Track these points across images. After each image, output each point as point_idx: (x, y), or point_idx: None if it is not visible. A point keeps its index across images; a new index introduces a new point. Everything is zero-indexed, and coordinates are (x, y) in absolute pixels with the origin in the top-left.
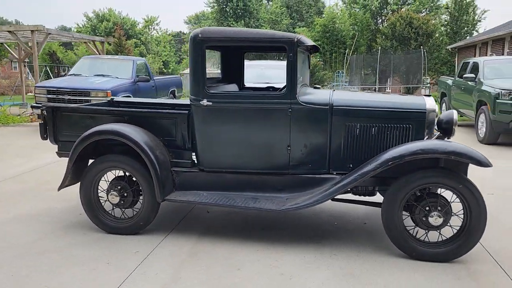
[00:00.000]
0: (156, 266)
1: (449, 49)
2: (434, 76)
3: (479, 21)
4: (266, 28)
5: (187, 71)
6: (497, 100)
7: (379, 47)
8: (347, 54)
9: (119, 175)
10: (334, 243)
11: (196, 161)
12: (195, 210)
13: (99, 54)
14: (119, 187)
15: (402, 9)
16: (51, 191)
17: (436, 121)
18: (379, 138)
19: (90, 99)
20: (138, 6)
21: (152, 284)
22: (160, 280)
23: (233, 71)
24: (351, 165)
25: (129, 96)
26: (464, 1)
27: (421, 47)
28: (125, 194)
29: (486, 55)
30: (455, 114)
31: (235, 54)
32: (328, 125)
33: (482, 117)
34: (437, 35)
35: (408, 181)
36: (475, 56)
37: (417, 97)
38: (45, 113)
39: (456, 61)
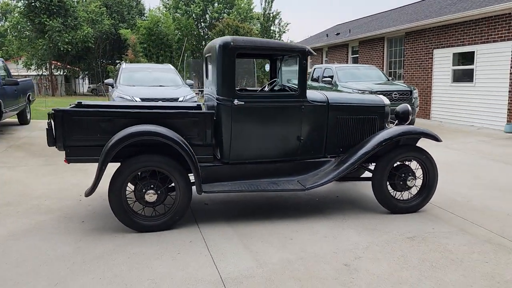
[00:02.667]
0: (226, 247)
1: None
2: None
3: (284, 32)
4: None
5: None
6: None
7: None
8: (174, 58)
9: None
10: (320, 213)
11: (219, 156)
12: (192, 204)
13: None
14: (152, 186)
15: (224, 17)
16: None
17: (389, 113)
18: (358, 127)
19: None
20: None
21: (245, 261)
22: (249, 256)
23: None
24: (341, 149)
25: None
26: (271, 14)
27: None
28: (159, 192)
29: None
30: (409, 107)
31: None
32: (326, 118)
33: None
34: None
35: (392, 156)
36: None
37: (375, 96)
38: (54, 118)
39: None
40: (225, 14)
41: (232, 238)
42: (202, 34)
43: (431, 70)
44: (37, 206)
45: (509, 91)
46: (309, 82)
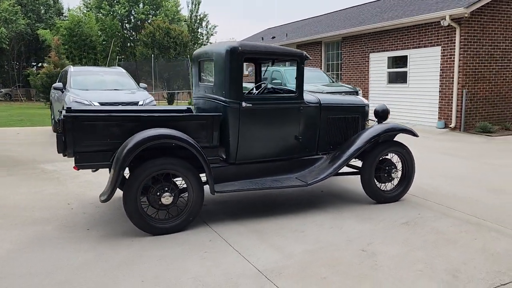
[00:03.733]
0: (247, 243)
1: None
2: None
3: (212, 34)
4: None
5: None
6: None
7: (139, 54)
8: (99, 61)
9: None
10: (315, 207)
11: (224, 157)
12: None
13: None
14: (166, 189)
15: (152, 19)
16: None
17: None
18: (345, 125)
19: None
20: None
21: (271, 254)
22: (273, 249)
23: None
24: (331, 147)
25: None
26: (199, 16)
27: (187, 56)
28: (173, 194)
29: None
30: (387, 106)
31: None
32: (319, 118)
33: None
34: (195, 46)
35: (378, 152)
36: None
37: (356, 97)
38: (64, 124)
39: None
40: (150, 15)
41: (248, 234)
42: (127, 35)
43: (368, 72)
44: (30, 218)
45: (440, 91)
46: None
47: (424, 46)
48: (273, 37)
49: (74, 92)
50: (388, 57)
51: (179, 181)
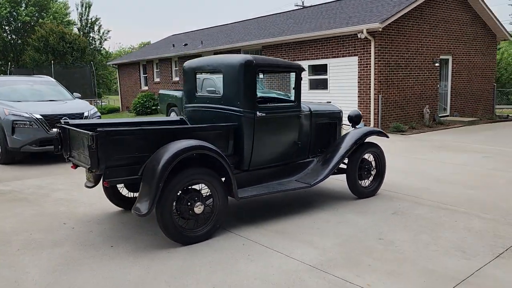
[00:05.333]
0: (280, 243)
1: (111, 65)
2: (104, 90)
3: (106, 39)
4: None
5: None
6: None
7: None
8: None
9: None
10: (312, 206)
11: (239, 164)
12: None
13: None
14: (196, 198)
15: (42, 22)
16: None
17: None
18: (328, 130)
19: None
20: None
21: (309, 250)
22: (306, 246)
23: None
24: (319, 150)
25: None
26: (90, 19)
27: (92, 62)
28: (204, 203)
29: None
30: (359, 111)
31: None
32: (311, 124)
33: None
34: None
35: (360, 153)
36: (140, 72)
37: (332, 104)
38: (97, 139)
39: (118, 77)
40: (35, 18)
41: (272, 235)
42: (9, 39)
43: (289, 80)
44: (34, 241)
45: (358, 96)
46: (178, 93)
47: (343, 56)
48: (185, 44)
49: (6, 104)
50: (309, 65)
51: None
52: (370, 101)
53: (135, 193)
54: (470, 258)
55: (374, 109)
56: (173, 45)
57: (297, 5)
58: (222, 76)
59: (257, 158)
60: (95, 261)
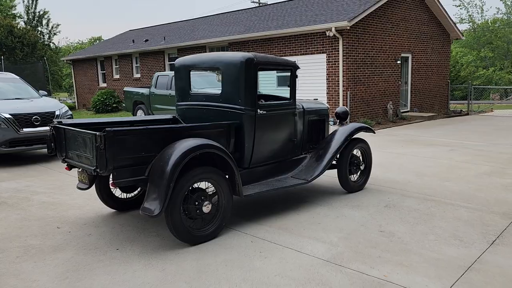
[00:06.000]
0: (289, 240)
1: (65, 61)
2: (55, 87)
3: (55, 34)
4: None
5: None
6: None
7: None
8: None
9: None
10: (306, 202)
11: (239, 161)
12: None
13: None
14: (202, 197)
15: None
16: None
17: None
18: (318, 127)
19: None
20: None
21: (318, 245)
22: (313, 241)
23: None
24: (311, 147)
25: None
26: (37, 13)
27: (44, 58)
28: (211, 202)
29: (113, 68)
30: (346, 108)
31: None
32: (303, 121)
33: None
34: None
35: (350, 148)
36: (98, 69)
37: (319, 101)
38: (105, 139)
39: (73, 73)
40: None
41: (278, 232)
42: None
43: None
44: (31, 247)
45: (327, 93)
46: (153, 90)
47: (311, 53)
48: (146, 40)
49: None
50: None
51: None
52: (339, 98)
53: (128, 194)
54: (469, 246)
55: (343, 105)
56: (133, 41)
57: (253, 2)
58: (220, 74)
59: (257, 156)
60: (105, 265)
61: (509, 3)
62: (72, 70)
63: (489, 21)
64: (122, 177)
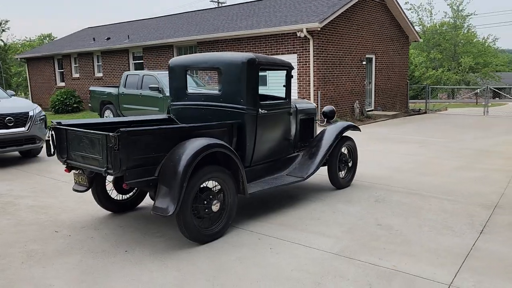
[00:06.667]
0: (295, 236)
1: (19, 59)
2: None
3: (4, 30)
4: None
5: None
6: None
7: None
8: None
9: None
10: (300, 199)
11: (241, 160)
12: None
13: None
14: (211, 196)
15: None
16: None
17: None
18: (308, 125)
19: None
20: None
21: (324, 240)
22: (319, 236)
23: None
24: (303, 145)
25: None
26: None
27: None
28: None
29: (72, 67)
30: (333, 107)
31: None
32: (296, 120)
33: None
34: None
35: (339, 146)
36: (55, 67)
37: (307, 101)
38: (119, 140)
39: (27, 72)
40: None
41: (280, 228)
42: None
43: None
44: (34, 252)
45: (298, 92)
46: (123, 90)
47: (282, 54)
48: (108, 38)
49: None
50: None
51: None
52: (310, 97)
53: (123, 195)
54: (461, 236)
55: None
56: (94, 39)
57: (212, 1)
58: (221, 74)
59: (257, 155)
60: (120, 268)
61: (455, 8)
62: (27, 69)
63: (437, 24)
64: (134, 177)
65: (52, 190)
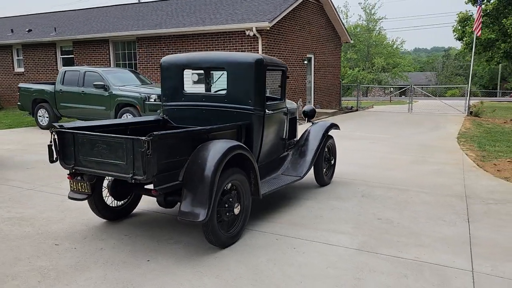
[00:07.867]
0: (311, 234)
1: None
2: None
3: None
4: None
5: None
6: (146, 102)
7: None
8: None
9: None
10: (293, 199)
11: None
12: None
13: None
14: (231, 199)
15: None
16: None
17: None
18: (294, 125)
19: None
20: None
21: (342, 237)
22: (334, 233)
23: None
24: (289, 144)
25: None
26: None
27: None
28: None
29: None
30: (313, 107)
31: None
32: (287, 120)
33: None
34: None
35: (323, 145)
36: None
37: (291, 101)
38: (151, 144)
39: None
40: None
41: (292, 227)
42: None
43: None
44: (46, 269)
45: None
46: (60, 87)
47: (229, 51)
48: (29, 30)
49: None
50: None
51: None
52: None
53: (119, 202)
54: (454, 225)
55: None
56: (12, 30)
57: None
58: (226, 73)
59: (262, 155)
60: (152, 279)
61: (368, 11)
62: None
63: (352, 26)
64: (163, 183)
65: (22, 199)
